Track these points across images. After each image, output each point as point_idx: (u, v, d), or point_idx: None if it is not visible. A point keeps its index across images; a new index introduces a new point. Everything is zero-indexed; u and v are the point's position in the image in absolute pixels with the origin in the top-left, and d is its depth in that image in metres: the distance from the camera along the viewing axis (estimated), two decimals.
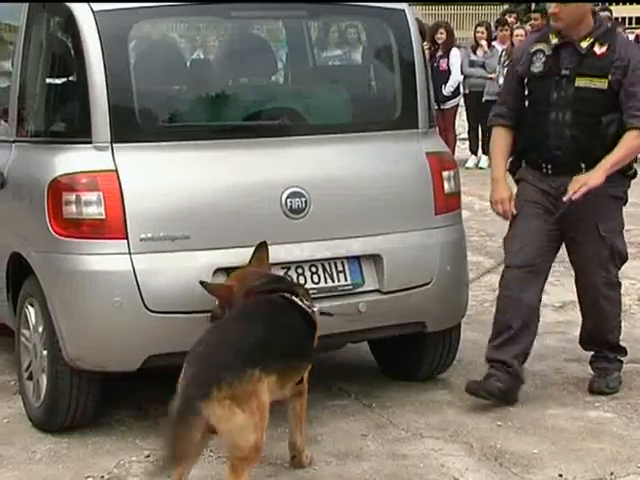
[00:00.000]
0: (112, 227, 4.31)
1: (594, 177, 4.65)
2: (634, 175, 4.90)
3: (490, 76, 13.04)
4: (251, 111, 4.85)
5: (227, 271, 4.39)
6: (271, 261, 4.36)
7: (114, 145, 4.36)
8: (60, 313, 4.42)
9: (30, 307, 4.70)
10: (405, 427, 4.69)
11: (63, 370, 4.48)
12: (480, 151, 13.53)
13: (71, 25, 4.50)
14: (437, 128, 5.23)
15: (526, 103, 4.89)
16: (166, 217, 4.36)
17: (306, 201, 4.54)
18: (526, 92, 4.88)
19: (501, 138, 5.02)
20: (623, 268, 5.01)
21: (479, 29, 13.61)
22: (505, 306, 4.88)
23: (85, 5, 4.46)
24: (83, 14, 4.45)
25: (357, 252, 4.64)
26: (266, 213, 4.48)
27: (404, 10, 4.93)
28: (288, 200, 4.50)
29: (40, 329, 4.60)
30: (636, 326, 6.22)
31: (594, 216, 4.78)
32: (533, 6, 21.49)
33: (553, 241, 4.91)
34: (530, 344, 4.94)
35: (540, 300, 4.98)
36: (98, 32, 4.40)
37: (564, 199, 4.69)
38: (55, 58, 4.82)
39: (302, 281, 4.51)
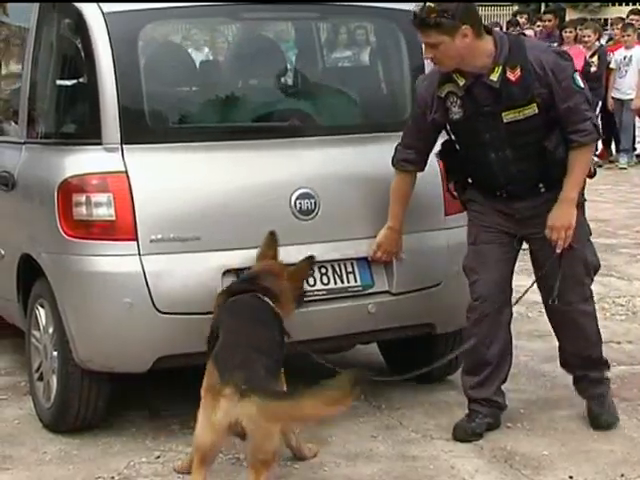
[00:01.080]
0: (122, 228, 4.32)
1: (567, 214, 4.29)
2: (590, 176, 4.48)
3: None
4: (261, 112, 4.85)
5: (237, 273, 4.39)
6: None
7: (124, 146, 4.37)
8: (70, 314, 4.43)
9: (40, 308, 4.71)
10: (415, 428, 4.69)
11: (73, 371, 4.48)
12: None
13: (81, 26, 4.51)
14: None
15: (457, 146, 4.51)
16: (176, 218, 4.36)
17: (315, 202, 4.53)
18: (453, 137, 4.50)
19: (405, 185, 4.59)
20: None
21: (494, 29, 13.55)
22: (479, 343, 4.54)
23: (95, 6, 4.47)
24: (93, 15, 4.46)
25: (366, 253, 4.64)
26: (276, 214, 4.48)
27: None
28: (298, 201, 4.50)
29: (50, 330, 4.61)
30: None
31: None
32: (543, 7, 21.44)
33: (511, 265, 4.58)
34: (509, 367, 4.69)
35: (510, 319, 4.66)
36: (108, 33, 4.40)
37: (556, 252, 4.34)
38: (65, 59, 4.82)
39: (311, 282, 4.49)
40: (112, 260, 4.33)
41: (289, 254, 4.36)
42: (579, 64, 11.38)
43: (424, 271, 4.74)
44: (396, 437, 4.59)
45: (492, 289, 4.51)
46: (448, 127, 4.46)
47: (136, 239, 4.30)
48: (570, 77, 4.25)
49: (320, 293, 4.51)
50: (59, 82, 4.78)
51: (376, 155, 4.74)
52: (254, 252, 4.30)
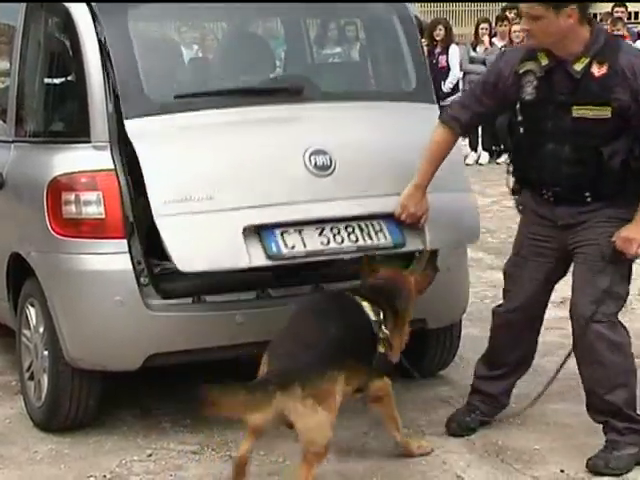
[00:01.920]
0: (112, 226, 4.31)
1: None
2: None
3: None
4: (267, 77, 4.81)
5: (258, 231, 4.23)
6: (303, 219, 4.27)
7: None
8: (60, 313, 4.42)
9: (31, 307, 4.70)
10: (406, 424, 4.67)
11: (64, 370, 4.48)
12: (480, 147, 13.52)
13: (69, 24, 4.51)
14: None
15: (520, 130, 4.28)
16: (187, 180, 4.22)
17: (331, 159, 4.39)
18: (519, 118, 4.26)
19: (444, 143, 4.37)
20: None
21: (483, 25, 13.59)
22: (501, 346, 4.53)
23: (82, 4, 4.46)
24: (81, 13, 4.45)
25: (393, 209, 4.40)
26: (290, 171, 4.35)
27: None
28: (312, 157, 4.36)
29: (41, 329, 4.61)
30: (638, 321, 6.22)
31: (595, 237, 4.17)
32: None
33: (551, 281, 4.42)
34: (525, 372, 4.65)
35: (540, 328, 4.57)
36: (96, 31, 4.39)
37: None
38: (53, 58, 4.83)
39: (339, 240, 4.32)
40: (102, 258, 4.32)
41: (310, 211, 4.27)
42: None
43: (456, 227, 4.60)
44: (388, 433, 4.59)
45: (523, 303, 4.42)
46: (517, 106, 4.24)
47: (128, 235, 4.28)
48: None
49: (350, 250, 4.35)
50: (47, 80, 4.79)
51: (387, 119, 4.67)
52: (272, 209, 4.21)
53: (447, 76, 12.89)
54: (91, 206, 4.32)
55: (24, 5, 4.91)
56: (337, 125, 4.58)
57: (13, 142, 4.89)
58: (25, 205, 4.68)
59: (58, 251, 4.39)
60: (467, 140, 13.80)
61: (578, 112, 4.05)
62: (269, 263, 4.23)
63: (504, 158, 13.41)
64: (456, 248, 4.81)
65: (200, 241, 4.16)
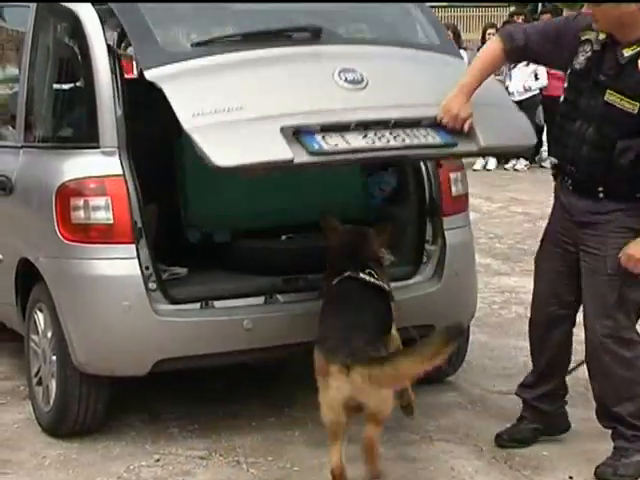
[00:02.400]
0: (120, 232, 4.31)
1: None
2: None
3: (497, 78, 13.04)
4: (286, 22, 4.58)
5: (295, 132, 3.90)
6: (344, 122, 4.01)
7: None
8: (69, 318, 4.43)
9: (39, 312, 4.71)
10: (414, 430, 4.68)
11: (72, 375, 4.48)
12: None
13: (77, 30, 4.52)
14: None
15: (561, 98, 4.25)
16: (215, 93, 4.06)
17: (361, 75, 4.17)
18: (565, 85, 4.22)
19: (496, 56, 4.25)
20: None
21: (490, 30, 13.58)
22: (531, 346, 4.48)
23: (91, 10, 4.48)
24: (89, 19, 4.46)
25: (435, 114, 4.13)
26: (323, 86, 4.13)
27: None
28: (342, 74, 4.15)
29: (49, 334, 4.61)
30: None
31: (603, 247, 4.10)
32: (540, 6, 21.45)
33: (572, 276, 4.25)
34: (561, 381, 4.48)
35: (569, 336, 4.41)
36: (105, 37, 4.40)
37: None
38: (62, 63, 4.84)
39: (385, 141, 4.04)
40: (110, 263, 4.33)
41: (349, 115, 4.04)
42: None
43: (511, 128, 4.38)
44: (396, 439, 4.58)
45: (541, 300, 4.38)
46: (568, 72, 4.18)
47: (136, 240, 4.28)
48: None
49: (398, 147, 4.06)
50: (56, 86, 4.80)
51: (414, 56, 4.57)
52: (309, 115, 3.98)
53: None
54: (100, 211, 4.33)
55: (33, 11, 4.92)
56: (364, 53, 4.43)
57: (22, 148, 4.90)
58: (34, 210, 4.69)
59: (66, 256, 4.40)
60: None
61: (610, 98, 3.98)
62: (312, 159, 3.88)
63: (511, 164, 13.46)
64: (513, 150, 4.58)
65: (237, 138, 3.86)
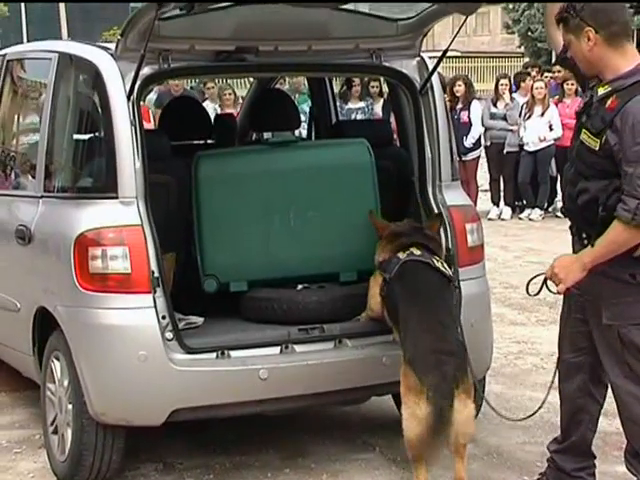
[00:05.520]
0: (138, 281, 4.34)
1: (572, 270, 3.90)
2: None
3: (511, 128, 13.10)
4: None
5: None
6: None
7: None
8: (85, 367, 4.44)
9: (56, 361, 4.72)
10: None
11: (88, 424, 4.48)
12: (502, 202, 13.54)
13: (97, 82, 4.58)
14: (460, 181, 5.23)
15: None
16: None
17: None
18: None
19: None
20: None
21: (502, 81, 13.67)
22: (560, 409, 4.37)
23: (112, 62, 4.54)
24: (109, 71, 4.53)
25: None
26: None
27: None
28: None
29: (65, 383, 4.62)
30: None
31: (598, 298, 3.98)
32: (553, 59, 21.60)
33: (583, 325, 4.14)
34: (584, 438, 4.31)
35: (585, 389, 4.25)
36: (124, 88, 4.46)
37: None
38: (82, 114, 4.89)
39: None
40: (127, 313, 4.35)
41: None
42: None
43: None
44: None
45: (561, 347, 4.26)
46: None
47: (153, 289, 4.32)
48: None
49: None
50: (76, 136, 4.84)
51: None
52: None
53: (469, 131, 12.96)
54: (117, 261, 4.35)
55: (55, 62, 4.99)
56: None
57: (41, 197, 4.94)
58: (52, 259, 4.71)
59: (84, 305, 4.42)
60: (489, 195, 13.84)
61: (583, 135, 3.91)
62: None
63: (526, 213, 13.46)
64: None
65: None
